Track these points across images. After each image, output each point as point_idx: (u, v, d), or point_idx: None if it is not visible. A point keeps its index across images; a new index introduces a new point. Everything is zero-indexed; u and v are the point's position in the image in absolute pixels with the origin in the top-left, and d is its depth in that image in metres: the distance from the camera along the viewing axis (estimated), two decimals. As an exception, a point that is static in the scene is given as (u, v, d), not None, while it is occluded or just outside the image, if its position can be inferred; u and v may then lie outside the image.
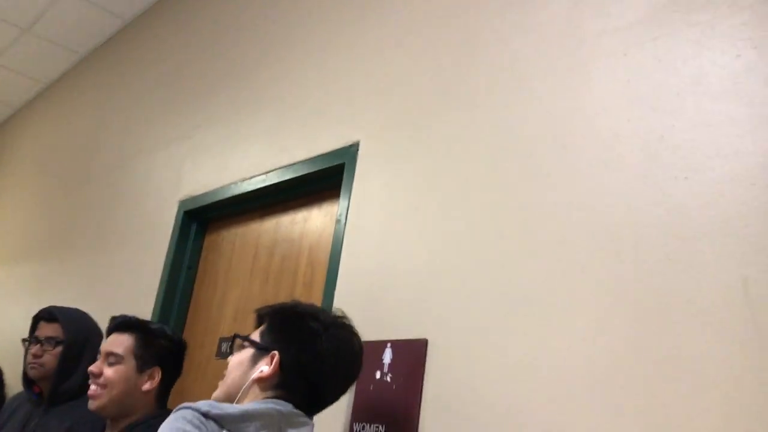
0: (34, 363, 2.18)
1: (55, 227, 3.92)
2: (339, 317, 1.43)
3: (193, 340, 2.54)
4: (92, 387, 1.77)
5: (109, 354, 1.80)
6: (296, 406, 1.30)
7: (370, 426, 1.59)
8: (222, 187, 2.56)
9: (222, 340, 2.38)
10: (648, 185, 1.31)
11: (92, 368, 1.79)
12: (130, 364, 1.80)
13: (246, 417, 1.20)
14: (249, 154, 2.51)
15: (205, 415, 1.16)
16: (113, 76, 4.02)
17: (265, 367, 1.32)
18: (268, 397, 1.30)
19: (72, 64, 4.62)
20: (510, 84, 1.67)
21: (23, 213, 4.48)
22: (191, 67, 3.17)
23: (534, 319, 1.39)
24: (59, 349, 2.18)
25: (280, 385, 1.32)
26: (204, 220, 2.73)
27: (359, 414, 1.63)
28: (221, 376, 1.40)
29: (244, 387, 1.32)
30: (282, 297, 2.18)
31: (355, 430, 1.62)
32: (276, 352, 1.32)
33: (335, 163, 2.10)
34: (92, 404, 1.76)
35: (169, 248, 2.71)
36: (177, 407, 1.20)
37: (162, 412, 1.79)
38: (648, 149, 1.33)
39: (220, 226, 2.68)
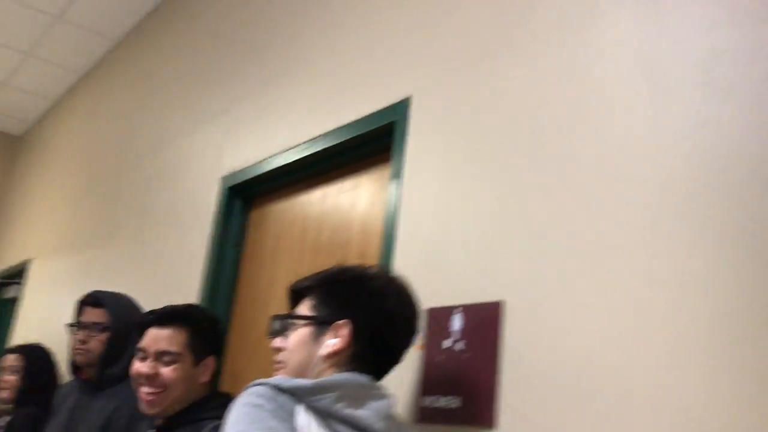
0: (81, 349, 2.12)
1: (98, 215, 3.87)
2: (385, 269, 1.31)
3: (243, 320, 2.44)
4: (146, 390, 1.60)
5: (163, 353, 1.63)
6: (371, 377, 1.19)
7: (442, 398, 1.45)
8: (264, 160, 2.44)
9: (274, 318, 2.26)
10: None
11: (145, 370, 1.61)
12: (188, 359, 1.65)
13: (322, 387, 1.09)
14: (291, 123, 2.38)
15: (278, 388, 1.07)
16: (147, 59, 3.93)
17: (332, 341, 1.20)
18: (343, 372, 1.18)
19: (106, 50, 4.55)
20: (577, 26, 1.50)
21: (68, 204, 4.45)
22: (226, 40, 3.05)
23: (627, 272, 1.23)
24: (105, 334, 2.11)
25: (354, 356, 1.20)
26: (248, 195, 2.61)
27: (430, 386, 1.49)
28: (276, 363, 1.27)
29: (313, 366, 1.20)
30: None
31: (426, 403, 1.48)
32: (343, 322, 1.20)
33: (385, 122, 1.95)
34: (152, 409, 1.60)
35: (214, 227, 2.61)
36: (248, 384, 1.10)
37: (213, 392, 1.69)
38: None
39: (264, 201, 2.56)
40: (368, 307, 1.22)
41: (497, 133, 1.60)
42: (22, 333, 4.35)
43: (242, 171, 2.55)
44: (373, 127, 1.99)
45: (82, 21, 4.23)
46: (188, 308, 1.75)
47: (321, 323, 1.22)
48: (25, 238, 5.15)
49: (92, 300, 2.17)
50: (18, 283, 4.90)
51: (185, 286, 2.61)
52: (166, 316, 1.69)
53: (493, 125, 1.61)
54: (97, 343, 2.11)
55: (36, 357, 2.97)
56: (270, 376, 1.18)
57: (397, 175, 1.85)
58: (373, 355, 1.22)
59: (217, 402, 1.60)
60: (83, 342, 2.11)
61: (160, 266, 2.94)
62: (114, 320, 2.11)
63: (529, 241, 1.42)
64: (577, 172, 1.39)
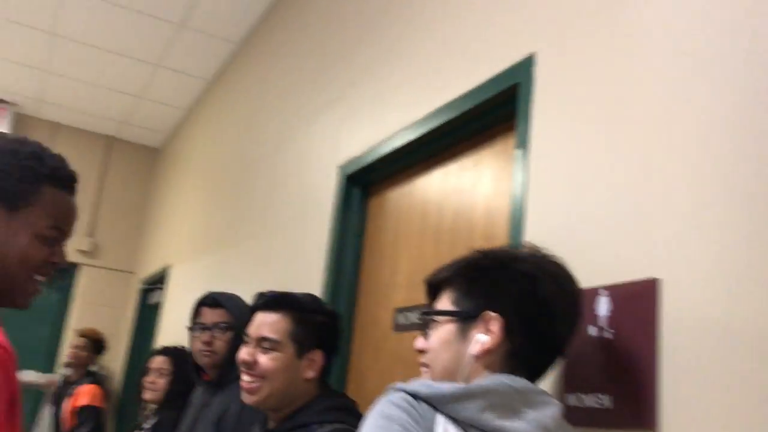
0: (207, 351, 2.07)
1: (226, 218, 3.91)
2: (534, 248, 1.10)
3: (367, 315, 2.30)
4: (246, 378, 1.51)
5: (263, 339, 1.53)
6: (531, 378, 1.01)
7: (589, 396, 1.22)
8: (380, 143, 2.29)
9: (399, 311, 2.10)
10: None
11: (244, 356, 1.53)
12: (289, 349, 1.53)
13: (467, 394, 0.92)
14: (404, 101, 2.21)
15: (415, 395, 0.93)
16: (264, 58, 3.93)
17: (482, 337, 1.02)
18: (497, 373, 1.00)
19: (229, 54, 4.61)
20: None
21: (201, 209, 4.56)
22: (336, 26, 2.94)
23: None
24: (229, 334, 2.06)
25: (510, 353, 1.02)
26: (366, 182, 2.47)
27: (573, 382, 1.27)
28: (421, 366, 1.11)
29: (462, 367, 1.02)
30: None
31: (570, 402, 1.25)
32: (492, 315, 1.02)
33: (505, 87, 1.73)
34: (250, 399, 1.51)
35: (333, 219, 2.49)
36: (386, 389, 0.96)
37: (328, 393, 1.55)
38: None
39: (383, 187, 2.41)
40: (519, 294, 1.04)
41: (640, 90, 1.34)
42: (164, 337, 4.49)
43: (358, 158, 2.42)
44: (492, 94, 1.78)
45: (205, 27, 4.30)
46: (297, 295, 1.62)
47: (466, 318, 1.05)
48: (164, 246, 5.35)
49: (211, 301, 2.14)
50: (160, 289, 5.09)
51: (307, 282, 2.51)
52: (272, 301, 1.58)
53: (634, 80, 1.36)
54: (221, 343, 2.07)
55: (182, 359, 2.99)
56: (398, 376, 1.02)
57: (522, 144, 1.63)
58: (532, 350, 1.03)
59: (322, 405, 1.46)
60: (208, 343, 2.07)
61: (283, 263, 2.88)
62: (235, 319, 2.06)
63: (687, 208, 1.16)
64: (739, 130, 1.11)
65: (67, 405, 4.41)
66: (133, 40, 4.55)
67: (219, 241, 3.93)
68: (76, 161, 4.97)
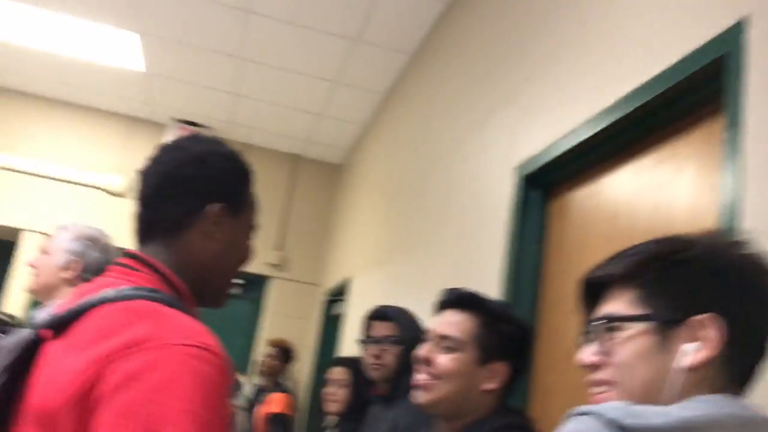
0: (376, 364, 2.09)
1: (403, 229, 3.87)
2: (725, 236, 0.89)
3: (550, 328, 2.10)
4: (419, 376, 1.42)
5: (444, 337, 1.42)
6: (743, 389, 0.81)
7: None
8: (560, 139, 2.09)
9: (590, 322, 1.88)
10: None
11: (422, 352, 1.43)
12: (471, 353, 1.40)
13: (686, 429, 0.73)
14: (587, 91, 2.00)
15: (619, 426, 0.72)
16: (437, 65, 3.85)
17: (691, 346, 0.80)
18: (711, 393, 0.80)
19: (403, 65, 4.60)
20: None
21: (379, 221, 4.58)
22: (509, 21, 2.77)
23: None
24: (398, 348, 2.07)
25: (724, 364, 0.81)
26: (546, 183, 2.28)
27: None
28: (595, 385, 0.90)
29: (670, 385, 0.81)
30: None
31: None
32: (707, 318, 0.81)
33: (708, 61, 1.48)
34: (421, 396, 1.41)
35: (511, 223, 2.32)
36: (570, 412, 0.78)
37: (505, 411, 1.39)
38: None
39: (565, 187, 2.20)
40: (733, 291, 0.82)
41: None
42: (346, 347, 4.54)
43: (536, 157, 2.23)
44: (691, 71, 1.53)
45: (380, 40, 4.32)
46: (487, 298, 1.49)
47: (667, 324, 0.83)
48: (346, 258, 5.45)
49: (379, 314, 2.17)
50: (342, 300, 5.18)
51: (483, 292, 2.36)
52: (460, 299, 1.47)
53: None
54: (390, 356, 2.08)
55: (360, 371, 2.98)
56: (586, 396, 0.84)
57: (733, 124, 1.37)
58: (749, 357, 0.83)
59: (497, 423, 1.30)
60: (378, 357, 2.09)
61: (458, 272, 2.75)
62: (404, 332, 2.06)
63: None
64: None
65: (260, 412, 4.60)
66: (312, 58, 4.68)
67: (395, 253, 3.89)
68: (264, 179, 5.19)
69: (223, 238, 1.12)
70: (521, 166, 2.33)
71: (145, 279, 1.05)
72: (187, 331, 0.92)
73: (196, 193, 1.11)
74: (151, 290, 1.01)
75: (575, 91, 2.08)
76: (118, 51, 4.96)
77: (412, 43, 4.30)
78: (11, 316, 2.34)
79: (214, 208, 1.11)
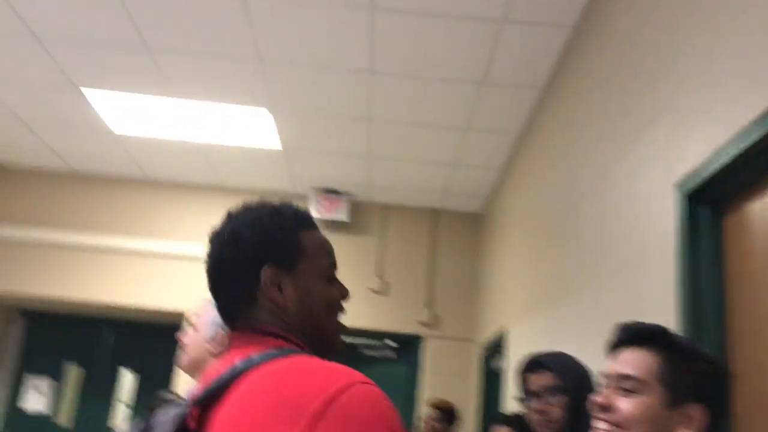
0: (542, 420, 1.88)
1: (555, 271, 3.61)
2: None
3: (747, 366, 1.79)
4: (601, 426, 1.25)
5: (623, 377, 1.25)
6: None
7: None
8: (726, 145, 1.82)
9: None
10: None
11: (599, 398, 1.26)
12: (657, 395, 1.22)
13: None
14: (750, 84, 1.74)
15: None
16: (570, 93, 3.63)
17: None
18: None
19: (534, 101, 4.41)
20: None
21: (530, 266, 4.34)
22: (649, 31, 2.54)
23: None
24: (563, 397, 1.85)
25: None
26: (715, 198, 1.99)
27: None
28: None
29: None
30: None
31: None
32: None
33: None
34: None
35: (678, 248, 2.04)
36: None
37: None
38: None
39: (739, 200, 1.90)
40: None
41: None
42: (509, 403, 4.28)
43: (699, 169, 1.96)
44: None
45: (506, 78, 4.18)
46: (670, 331, 1.30)
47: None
48: (499, 308, 5.22)
49: (534, 365, 1.95)
50: (499, 353, 4.93)
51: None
52: (638, 334, 1.30)
53: None
54: (557, 410, 1.86)
55: (525, 428, 2.79)
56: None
57: None
58: None
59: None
60: (542, 412, 1.87)
61: (624, 309, 2.47)
62: (567, 380, 1.84)
63: None
64: None
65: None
66: (439, 108, 4.62)
67: (552, 296, 3.63)
68: (407, 238, 5.17)
69: (291, 296, 1.12)
70: (682, 183, 2.06)
71: (272, 342, 1.05)
72: (349, 371, 0.91)
73: (242, 271, 1.11)
74: (290, 349, 1.01)
75: (737, 88, 1.81)
76: (255, 132, 5.18)
77: (541, 76, 4.11)
78: (177, 395, 2.36)
79: (265, 273, 1.11)
